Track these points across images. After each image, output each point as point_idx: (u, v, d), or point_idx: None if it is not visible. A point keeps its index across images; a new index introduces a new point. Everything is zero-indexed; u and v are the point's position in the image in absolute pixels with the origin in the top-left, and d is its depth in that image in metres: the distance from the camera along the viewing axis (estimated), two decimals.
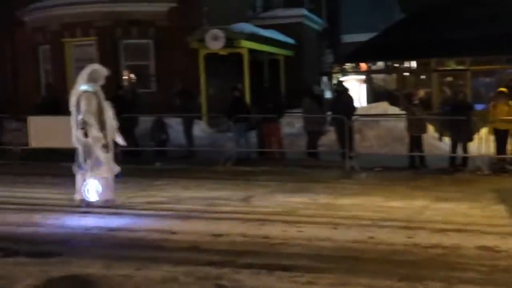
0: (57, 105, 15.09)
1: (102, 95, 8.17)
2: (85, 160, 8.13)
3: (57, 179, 10.64)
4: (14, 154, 13.89)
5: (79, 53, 20.63)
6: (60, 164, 12.79)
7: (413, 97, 12.73)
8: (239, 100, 13.64)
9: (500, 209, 7.95)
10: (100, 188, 8.17)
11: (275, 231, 6.70)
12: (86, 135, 8.03)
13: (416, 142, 12.11)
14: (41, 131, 13.38)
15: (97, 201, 8.15)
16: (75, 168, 8.27)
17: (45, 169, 12.25)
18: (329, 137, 13.62)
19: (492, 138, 11.62)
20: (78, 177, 8.26)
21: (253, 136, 13.72)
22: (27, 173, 11.78)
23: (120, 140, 8.58)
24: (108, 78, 8.46)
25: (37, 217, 7.61)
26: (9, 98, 21.75)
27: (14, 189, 9.84)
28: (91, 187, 8.17)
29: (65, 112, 16.57)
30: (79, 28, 20.18)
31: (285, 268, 5.33)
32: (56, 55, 20.63)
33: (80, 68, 22.35)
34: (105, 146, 8.08)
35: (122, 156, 13.01)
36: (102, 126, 8.08)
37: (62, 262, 5.61)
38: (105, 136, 8.09)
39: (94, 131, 8.05)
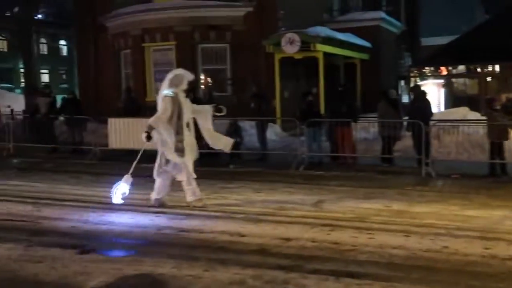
0: (136, 107, 15.58)
1: (183, 99, 8.21)
2: (166, 163, 8.29)
3: (134, 179, 10.89)
4: (94, 154, 14.42)
5: (158, 57, 21.23)
6: (139, 165, 13.20)
7: (494, 102, 12.22)
8: (312, 105, 13.55)
9: None
10: (127, 191, 8.36)
11: (345, 237, 6.61)
12: (148, 138, 8.17)
13: (497, 149, 11.61)
14: (120, 133, 13.82)
15: (153, 199, 8.33)
16: (154, 170, 8.43)
17: (123, 169, 12.57)
18: (405, 143, 13.30)
19: None
20: (158, 179, 8.42)
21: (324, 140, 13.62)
22: (105, 172, 12.17)
23: (222, 146, 8.67)
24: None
25: (112, 216, 7.86)
26: (91, 101, 22.64)
27: (92, 188, 10.20)
28: (120, 189, 8.39)
29: (145, 114, 17.09)
30: (159, 33, 20.76)
31: (353, 275, 5.24)
32: (136, 59, 21.29)
33: (159, 72, 23.13)
34: (179, 150, 8.17)
35: (198, 158, 13.27)
36: (177, 130, 8.15)
37: (135, 260, 5.76)
38: (180, 141, 8.16)
39: (164, 136, 8.19)
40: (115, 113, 16.26)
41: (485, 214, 7.92)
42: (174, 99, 8.12)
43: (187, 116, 8.21)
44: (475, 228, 7.08)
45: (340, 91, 13.76)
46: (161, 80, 23.42)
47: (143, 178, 11.15)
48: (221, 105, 8.75)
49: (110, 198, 8.53)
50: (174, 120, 8.12)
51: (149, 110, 17.84)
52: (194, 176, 8.34)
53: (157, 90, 21.34)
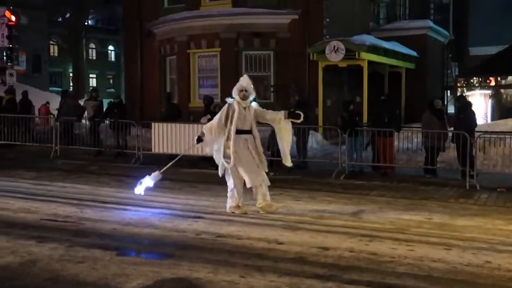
0: (177, 113, 15.74)
1: (238, 106, 8.16)
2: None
3: (174, 184, 11.06)
4: (137, 158, 14.64)
5: (203, 63, 21.47)
6: (179, 170, 13.35)
7: None
8: (354, 114, 13.46)
9: None
10: (151, 185, 8.51)
11: (384, 248, 6.53)
12: (198, 141, 8.46)
13: None
14: (164, 138, 13.99)
15: None
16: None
17: (164, 174, 12.75)
18: (449, 154, 13.07)
19: None
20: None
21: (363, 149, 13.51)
22: None
23: (286, 161, 8.49)
24: (229, 90, 8.59)
25: (153, 219, 7.95)
26: (137, 106, 23.02)
27: (132, 191, 10.34)
28: (145, 182, 8.53)
29: (188, 120, 17.22)
30: (204, 40, 21.01)
31: (391, 287, 5.17)
32: (181, 65, 21.57)
33: (203, 78, 23.27)
34: (226, 157, 8.21)
35: None
36: (228, 136, 8.20)
37: (173, 264, 5.81)
38: (228, 147, 8.18)
39: (214, 143, 8.39)
40: (159, 118, 16.49)
41: None
42: (229, 106, 8.24)
43: (241, 123, 8.16)
44: None
45: (382, 100, 13.59)
46: (205, 86, 23.68)
47: (185, 183, 11.35)
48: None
49: (146, 199, 8.67)
50: (227, 127, 8.22)
51: (193, 115, 18.17)
52: (251, 184, 8.23)
53: (200, 96, 21.61)
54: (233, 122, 8.14)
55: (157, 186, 10.85)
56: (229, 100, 8.32)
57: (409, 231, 7.50)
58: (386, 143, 12.56)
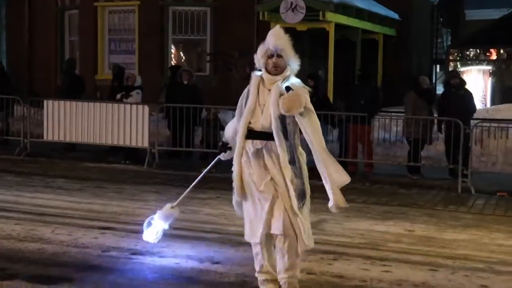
0: (80, 88, 15.50)
1: (258, 87, 5.84)
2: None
3: (73, 183, 10.97)
4: (23, 148, 14.38)
5: (116, 21, 21.20)
6: (81, 164, 13.18)
7: None
8: (317, 92, 13.51)
9: None
10: (166, 227, 6.60)
11: (352, 269, 6.65)
12: (221, 150, 7.08)
13: None
14: (60, 120, 13.77)
15: None
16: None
17: (60, 169, 12.60)
18: (438, 147, 13.36)
19: None
20: None
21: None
22: (37, 173, 12.16)
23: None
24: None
25: (44, 231, 7.82)
26: (23, 76, 22.50)
27: (17, 193, 10.19)
28: (155, 225, 6.64)
29: (91, 97, 16.91)
30: None
31: None
32: (86, 23, 21.24)
33: (115, 41, 22.93)
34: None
35: (165, 157, 13.27)
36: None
37: None
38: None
39: None
40: (55, 93, 16.20)
41: None
42: (255, 82, 5.89)
43: (257, 118, 5.75)
44: None
45: (359, 75, 13.61)
46: (117, 52, 23.30)
47: (88, 182, 11.23)
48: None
49: (33, 203, 8.49)
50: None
51: (101, 91, 17.92)
52: (246, 238, 6.20)
53: (110, 65, 21.33)
54: (243, 116, 5.82)
55: (49, 186, 10.71)
56: (256, 73, 6.01)
57: (385, 246, 7.64)
58: (361, 132, 12.66)
